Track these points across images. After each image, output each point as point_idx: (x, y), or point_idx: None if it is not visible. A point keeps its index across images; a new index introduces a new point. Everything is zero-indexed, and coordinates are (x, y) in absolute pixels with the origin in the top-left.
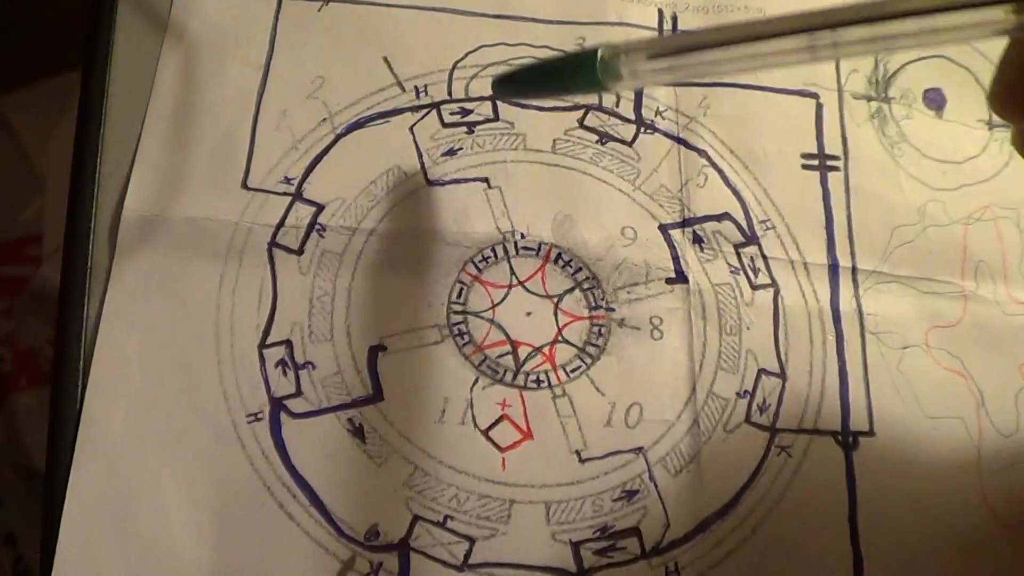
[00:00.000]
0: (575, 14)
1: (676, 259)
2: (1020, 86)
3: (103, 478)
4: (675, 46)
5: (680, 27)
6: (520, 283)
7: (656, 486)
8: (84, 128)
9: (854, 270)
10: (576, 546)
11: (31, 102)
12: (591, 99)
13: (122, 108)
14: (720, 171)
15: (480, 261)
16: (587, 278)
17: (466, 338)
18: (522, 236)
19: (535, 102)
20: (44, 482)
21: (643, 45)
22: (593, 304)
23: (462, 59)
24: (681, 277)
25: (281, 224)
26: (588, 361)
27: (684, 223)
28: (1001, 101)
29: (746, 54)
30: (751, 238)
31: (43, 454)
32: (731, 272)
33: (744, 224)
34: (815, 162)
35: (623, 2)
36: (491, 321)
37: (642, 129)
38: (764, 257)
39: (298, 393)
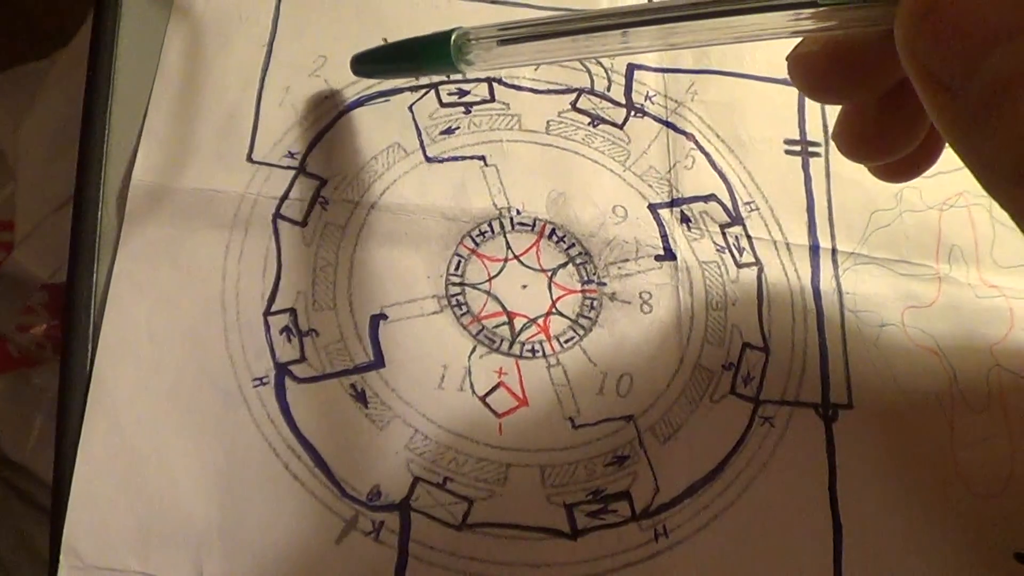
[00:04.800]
0: (569, 1)
1: (665, 237)
2: (819, 61)
3: (113, 438)
4: (524, 34)
5: None
6: (516, 257)
7: (646, 452)
8: (92, 100)
9: (834, 251)
10: (570, 508)
11: (1, 89)
12: (583, 82)
13: (129, 82)
14: (707, 154)
15: (477, 235)
16: (580, 253)
17: (464, 308)
18: (517, 212)
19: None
20: (55, 442)
21: (493, 33)
22: (585, 278)
23: None
24: (669, 254)
25: (285, 196)
26: (581, 332)
27: (672, 203)
28: (799, 76)
29: (578, 44)
30: (736, 219)
31: (11, 439)
32: (717, 251)
33: (729, 205)
34: (797, 148)
35: None
36: (488, 293)
37: (632, 113)
38: (748, 237)
39: (302, 359)
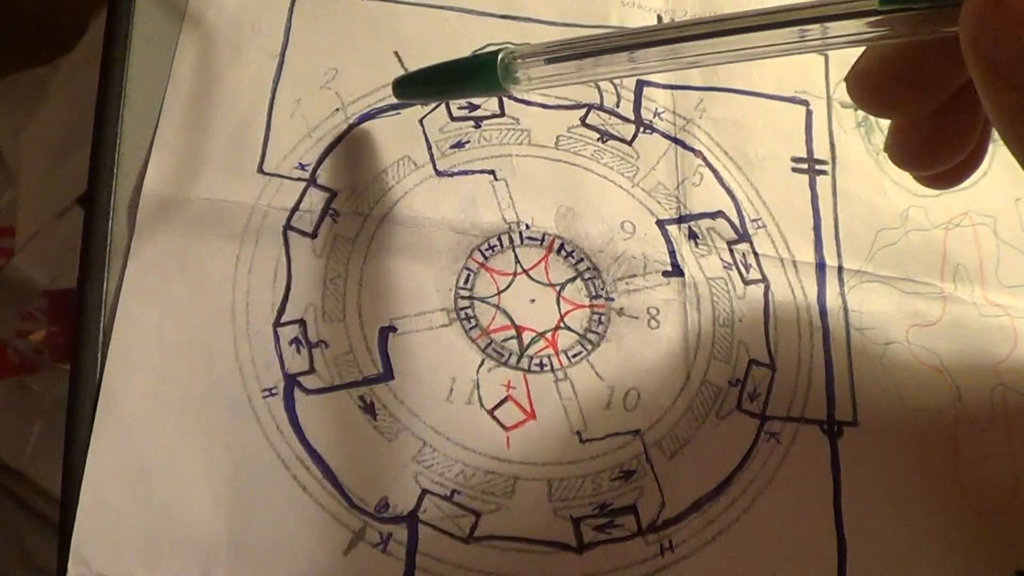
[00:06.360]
0: (578, 17)
1: (672, 253)
2: (879, 78)
3: (122, 447)
4: (570, 53)
5: None
6: (524, 271)
7: (652, 467)
8: (104, 109)
9: (840, 269)
10: (576, 522)
11: (2, 95)
12: (592, 98)
13: (140, 91)
14: (715, 171)
15: (486, 249)
16: (588, 268)
17: (473, 322)
18: (527, 227)
19: (540, 99)
20: (64, 450)
21: (541, 51)
22: (594, 293)
23: None
24: (677, 270)
25: (296, 208)
26: (588, 347)
27: (680, 219)
28: (859, 93)
29: (623, 61)
30: (743, 236)
31: (10, 445)
32: (724, 267)
33: (737, 222)
34: (804, 166)
35: (624, 7)
36: (496, 307)
37: (641, 129)
38: (755, 254)
39: (311, 370)
